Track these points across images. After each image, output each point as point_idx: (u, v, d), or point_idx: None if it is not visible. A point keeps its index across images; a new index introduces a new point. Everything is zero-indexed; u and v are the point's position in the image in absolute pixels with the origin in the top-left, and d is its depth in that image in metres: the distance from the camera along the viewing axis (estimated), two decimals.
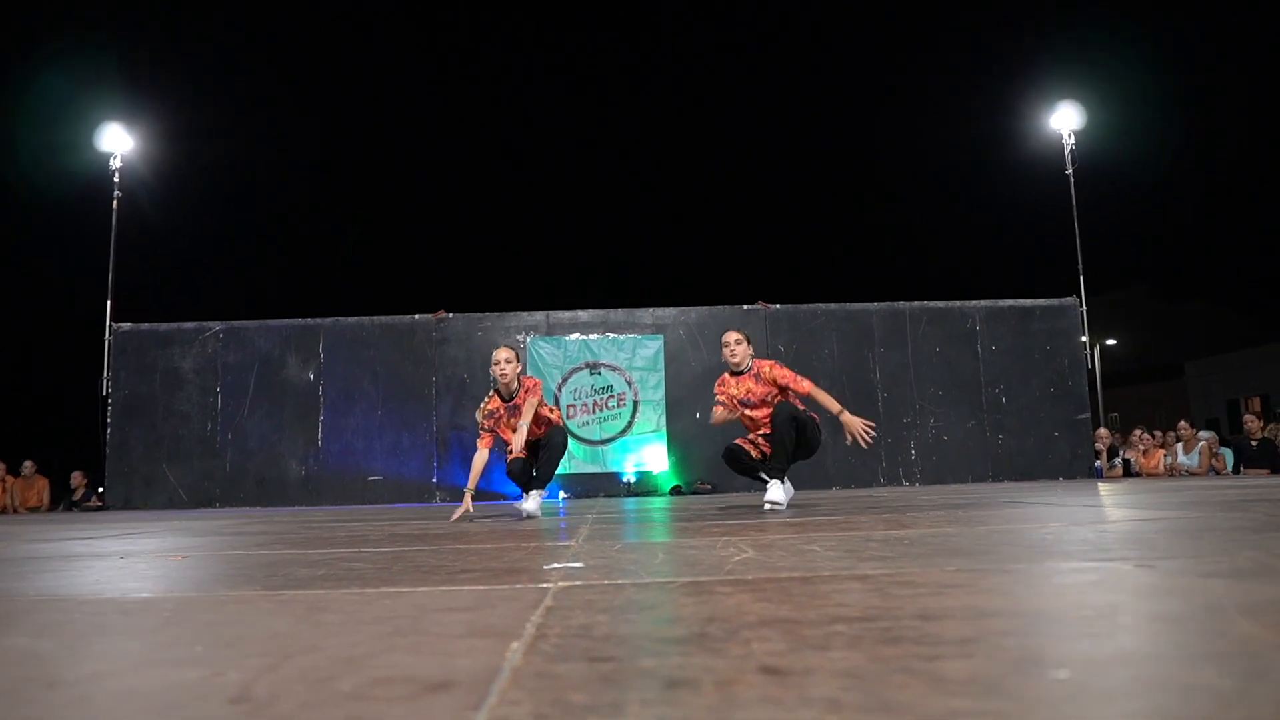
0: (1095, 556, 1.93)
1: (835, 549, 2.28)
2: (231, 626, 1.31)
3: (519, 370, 5.31)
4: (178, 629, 1.30)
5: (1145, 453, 10.73)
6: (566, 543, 2.87)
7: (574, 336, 10.79)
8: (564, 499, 9.97)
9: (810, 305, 11.01)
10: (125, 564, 2.59)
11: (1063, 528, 2.80)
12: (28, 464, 11.51)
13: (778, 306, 10.96)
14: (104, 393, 10.45)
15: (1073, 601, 1.36)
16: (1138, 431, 11.49)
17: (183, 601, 1.63)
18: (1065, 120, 11.72)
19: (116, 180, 11.11)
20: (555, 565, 2.07)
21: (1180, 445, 10.46)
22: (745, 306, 10.96)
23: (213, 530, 4.49)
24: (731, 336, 4.97)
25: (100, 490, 10.97)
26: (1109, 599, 1.36)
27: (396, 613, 1.35)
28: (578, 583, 1.69)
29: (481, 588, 1.67)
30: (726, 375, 5.04)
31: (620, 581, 1.70)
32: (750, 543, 2.55)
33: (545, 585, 1.66)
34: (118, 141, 11.14)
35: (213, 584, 1.96)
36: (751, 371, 4.92)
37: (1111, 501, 4.47)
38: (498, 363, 5.20)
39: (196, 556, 2.81)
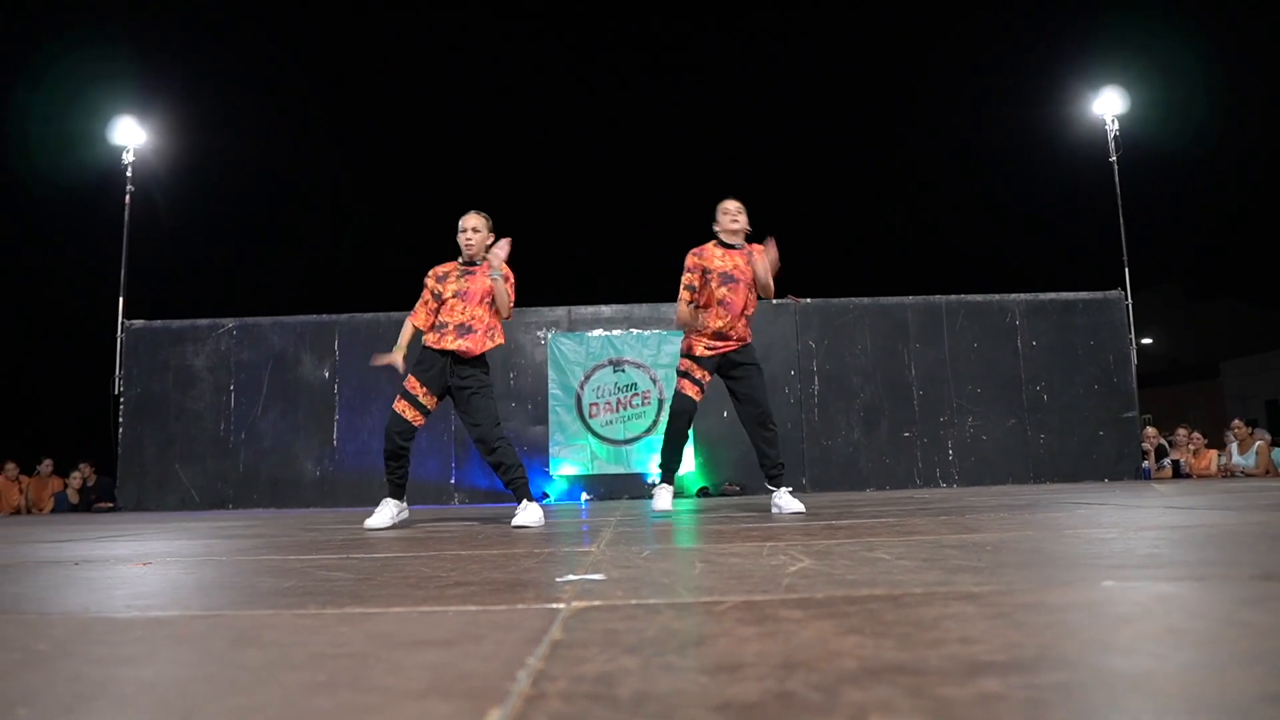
0: (1228, 563, 1.52)
1: (908, 557, 1.88)
2: (107, 667, 0.94)
3: (489, 243, 4.10)
4: (39, 669, 0.94)
5: (1196, 453, 10.18)
6: (586, 548, 2.48)
7: (596, 333, 10.40)
8: (586, 500, 9.60)
9: (842, 299, 10.53)
10: (76, 571, 2.25)
11: (1165, 531, 2.39)
12: (45, 463, 11.28)
13: (808, 300, 10.50)
14: (116, 391, 10.20)
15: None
16: (1183, 431, 10.91)
17: (85, 623, 1.27)
18: (1109, 105, 11.17)
19: (129, 175, 10.87)
20: (570, 577, 1.69)
21: (1235, 445, 9.90)
22: (774, 300, 10.51)
23: (207, 533, 4.15)
24: (734, 205, 4.42)
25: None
26: None
27: (344, 648, 0.98)
28: (597, 603, 1.30)
29: (472, 608, 1.29)
30: (708, 246, 4.41)
31: (652, 601, 1.31)
32: (802, 549, 2.16)
33: (555, 606, 1.28)
34: (131, 135, 10.89)
35: (145, 599, 1.60)
36: (743, 250, 4.41)
37: (1190, 502, 4.02)
38: (464, 230, 4.09)
39: (164, 563, 2.46)
